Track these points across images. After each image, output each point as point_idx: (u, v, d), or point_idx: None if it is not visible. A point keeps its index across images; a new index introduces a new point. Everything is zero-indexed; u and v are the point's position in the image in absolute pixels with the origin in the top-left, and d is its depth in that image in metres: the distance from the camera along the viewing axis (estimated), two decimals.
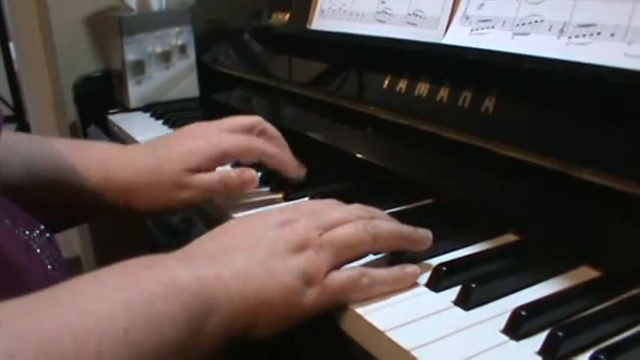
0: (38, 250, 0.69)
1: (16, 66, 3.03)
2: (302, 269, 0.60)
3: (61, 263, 0.72)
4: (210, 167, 0.85)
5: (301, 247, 0.61)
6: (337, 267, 0.62)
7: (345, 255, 0.63)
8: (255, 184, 0.85)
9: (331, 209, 0.67)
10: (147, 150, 0.89)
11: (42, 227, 0.73)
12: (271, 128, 0.90)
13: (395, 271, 0.64)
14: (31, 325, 0.45)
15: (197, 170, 0.84)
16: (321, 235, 0.63)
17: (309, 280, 0.60)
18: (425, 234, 0.67)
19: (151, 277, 0.54)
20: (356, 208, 0.68)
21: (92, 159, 0.87)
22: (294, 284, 0.59)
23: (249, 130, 0.88)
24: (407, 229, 0.67)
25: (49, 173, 0.85)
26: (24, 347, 0.43)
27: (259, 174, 0.90)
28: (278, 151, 0.87)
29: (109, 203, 0.86)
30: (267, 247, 0.61)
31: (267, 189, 0.92)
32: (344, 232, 0.63)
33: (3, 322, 0.45)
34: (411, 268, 0.64)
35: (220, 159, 0.86)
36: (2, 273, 0.49)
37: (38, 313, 0.47)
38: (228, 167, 0.92)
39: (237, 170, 0.85)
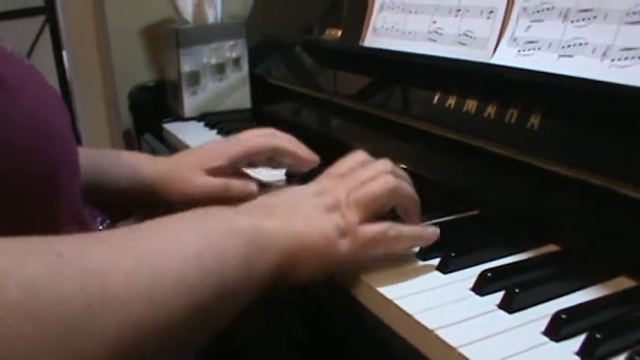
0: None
1: (68, 74, 3.08)
2: (336, 224, 0.69)
3: None
4: (226, 167, 0.95)
5: (333, 208, 0.71)
6: (367, 220, 0.71)
7: (372, 208, 0.72)
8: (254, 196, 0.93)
9: (358, 170, 0.76)
10: (169, 156, 1.03)
11: (102, 216, 0.81)
12: (285, 134, 1.00)
13: (418, 228, 0.74)
14: (130, 244, 0.55)
15: (209, 171, 0.95)
16: (349, 195, 0.72)
17: (342, 233, 0.69)
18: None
19: (214, 220, 0.64)
20: (382, 164, 0.77)
21: (124, 167, 0.98)
22: (331, 234, 0.69)
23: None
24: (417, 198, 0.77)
25: (89, 177, 0.92)
26: (126, 259, 0.52)
27: None
28: (289, 146, 0.97)
29: (136, 201, 0.97)
30: (305, 209, 0.71)
31: None
32: (368, 190, 0.72)
33: (105, 240, 0.54)
34: (432, 228, 0.74)
35: (234, 158, 0.96)
36: None
37: (136, 238, 0.57)
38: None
39: (242, 181, 0.96)
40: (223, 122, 1.49)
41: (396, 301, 0.65)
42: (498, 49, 0.85)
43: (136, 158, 1.00)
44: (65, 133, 0.63)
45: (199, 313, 0.55)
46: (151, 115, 1.68)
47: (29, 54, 2.90)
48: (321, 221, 0.69)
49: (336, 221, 0.69)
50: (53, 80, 3.16)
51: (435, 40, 0.96)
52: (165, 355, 0.54)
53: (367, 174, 0.74)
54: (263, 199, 0.75)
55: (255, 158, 0.97)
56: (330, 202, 0.71)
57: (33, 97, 0.60)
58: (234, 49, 1.61)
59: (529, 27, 0.82)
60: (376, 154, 0.80)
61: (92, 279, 0.48)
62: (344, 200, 0.71)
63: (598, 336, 0.55)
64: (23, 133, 0.56)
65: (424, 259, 0.74)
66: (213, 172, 0.95)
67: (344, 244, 0.69)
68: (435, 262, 0.73)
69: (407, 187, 0.75)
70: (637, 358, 0.53)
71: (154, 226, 0.60)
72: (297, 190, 0.77)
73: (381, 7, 1.10)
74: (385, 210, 0.74)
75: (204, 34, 1.60)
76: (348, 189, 0.73)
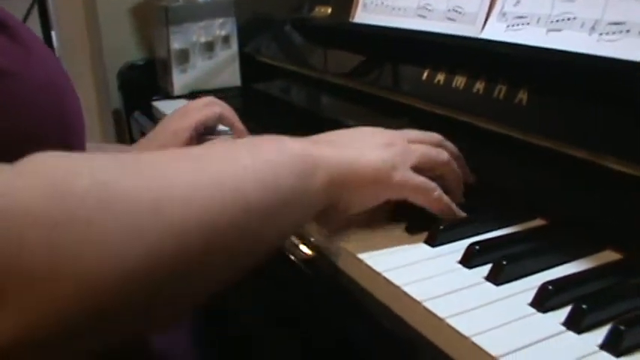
0: None
1: (57, 54, 3.07)
2: (390, 157, 0.72)
3: None
4: (194, 136, 1.09)
5: (389, 146, 0.73)
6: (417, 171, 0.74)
7: (425, 163, 0.75)
8: None
9: (416, 131, 0.81)
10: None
11: None
12: (223, 102, 1.15)
13: (454, 206, 0.75)
14: (189, 153, 0.61)
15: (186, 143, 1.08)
16: (407, 143, 0.75)
17: (394, 166, 0.71)
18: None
19: (267, 142, 0.66)
20: (436, 135, 0.81)
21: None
22: (382, 165, 0.71)
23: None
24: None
25: None
26: (188, 166, 0.56)
27: None
28: (231, 115, 1.13)
29: None
30: (361, 142, 0.73)
31: None
32: (425, 149, 0.76)
33: (167, 152, 0.60)
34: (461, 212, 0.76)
35: (198, 126, 1.09)
36: None
37: (191, 150, 0.64)
38: None
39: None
40: None
41: (385, 274, 0.65)
42: (487, 24, 0.85)
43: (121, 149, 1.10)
44: (73, 99, 0.66)
45: (254, 221, 0.58)
46: (140, 93, 1.67)
47: None
48: (374, 153, 0.71)
49: (390, 155, 0.71)
50: None
51: (424, 16, 0.96)
52: (222, 265, 0.57)
53: (425, 137, 0.79)
54: (319, 136, 0.77)
55: (209, 124, 1.11)
56: (387, 140, 0.74)
57: (50, 66, 0.63)
58: (223, 27, 1.60)
59: (518, 2, 0.82)
60: None
61: (158, 179, 0.52)
62: (401, 142, 0.74)
63: (584, 307, 0.55)
64: (39, 96, 0.60)
65: (412, 233, 0.74)
66: (188, 143, 1.07)
67: (394, 176, 0.71)
68: (423, 235, 0.73)
69: (456, 167, 0.78)
70: (622, 327, 0.53)
71: (208, 145, 0.67)
72: (355, 128, 0.79)
73: None
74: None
75: (193, 11, 1.59)
76: (407, 139, 0.76)
